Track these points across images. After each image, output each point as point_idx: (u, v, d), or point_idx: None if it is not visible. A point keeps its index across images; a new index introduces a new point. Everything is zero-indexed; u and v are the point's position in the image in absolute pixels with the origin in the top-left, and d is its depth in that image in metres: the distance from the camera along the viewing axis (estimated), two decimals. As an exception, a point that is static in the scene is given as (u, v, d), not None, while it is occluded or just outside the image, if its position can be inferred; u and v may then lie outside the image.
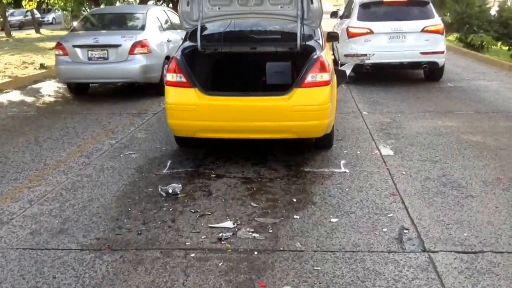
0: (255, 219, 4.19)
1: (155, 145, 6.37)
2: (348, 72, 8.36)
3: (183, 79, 5.29)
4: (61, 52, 9.36)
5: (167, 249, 3.72)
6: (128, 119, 7.81)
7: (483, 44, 15.19)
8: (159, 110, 8.27)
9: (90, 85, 10.34)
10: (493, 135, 6.46)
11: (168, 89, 5.42)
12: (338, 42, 9.75)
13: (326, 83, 5.23)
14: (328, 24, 12.09)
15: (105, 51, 9.10)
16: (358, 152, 5.90)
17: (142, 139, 6.69)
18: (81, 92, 10.10)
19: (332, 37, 7.78)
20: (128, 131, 7.07)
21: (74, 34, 9.98)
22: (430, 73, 10.36)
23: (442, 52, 9.87)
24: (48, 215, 4.35)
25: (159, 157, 5.88)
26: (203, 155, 5.87)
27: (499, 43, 16.22)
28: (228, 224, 4.09)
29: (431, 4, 10.29)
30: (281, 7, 5.82)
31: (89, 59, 9.16)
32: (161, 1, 27.48)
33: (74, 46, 9.23)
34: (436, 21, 10.02)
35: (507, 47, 16.01)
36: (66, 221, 4.21)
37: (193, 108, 5.28)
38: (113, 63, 9.10)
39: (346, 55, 10.05)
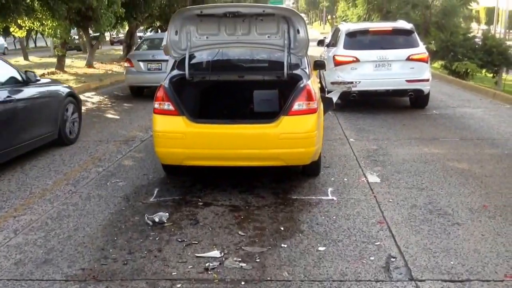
0: (243, 248, 4.16)
1: (142, 173, 6.34)
2: (335, 99, 8.44)
3: (171, 107, 5.31)
4: (129, 65, 13.05)
5: (153, 279, 3.68)
6: (115, 147, 7.79)
7: (468, 71, 15.45)
8: (146, 138, 8.26)
9: (145, 89, 13.40)
10: (479, 162, 6.52)
11: (156, 117, 5.42)
12: (325, 70, 9.87)
13: (312, 111, 5.28)
14: (315, 51, 12.28)
15: (160, 64, 12.45)
16: (345, 179, 5.93)
17: (129, 166, 6.67)
18: (139, 93, 13.44)
19: (318, 65, 7.90)
20: (115, 159, 7.05)
21: (138, 52, 13.82)
22: (416, 100, 10.49)
23: (427, 80, 10.00)
24: (33, 245, 4.30)
25: (146, 185, 5.85)
26: (190, 182, 5.86)
27: (484, 71, 16.52)
28: (215, 253, 4.06)
29: (415, 33, 10.49)
30: (268, 37, 5.91)
31: (148, 69, 12.68)
32: (150, 30, 27.75)
33: (138, 60, 12.83)
34: (421, 50, 10.19)
35: (491, 75, 16.30)
36: (51, 251, 4.16)
37: (180, 136, 5.28)
38: (165, 73, 11.70)
39: (332, 83, 10.15)
